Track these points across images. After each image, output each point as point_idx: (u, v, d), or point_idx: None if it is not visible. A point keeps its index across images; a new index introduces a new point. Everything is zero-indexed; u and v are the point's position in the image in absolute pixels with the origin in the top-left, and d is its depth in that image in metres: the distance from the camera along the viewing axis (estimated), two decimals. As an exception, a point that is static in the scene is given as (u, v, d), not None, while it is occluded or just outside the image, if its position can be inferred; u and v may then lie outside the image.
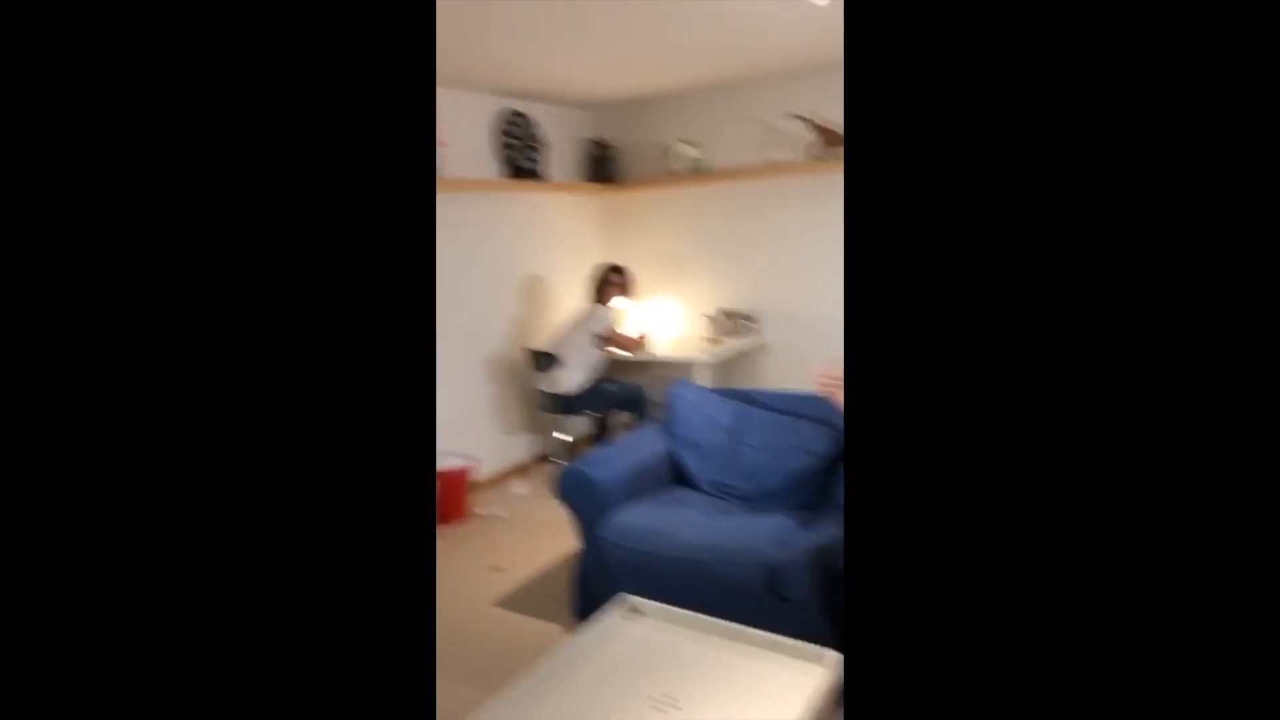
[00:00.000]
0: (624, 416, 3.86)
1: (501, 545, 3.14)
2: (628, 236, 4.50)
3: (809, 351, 4.00)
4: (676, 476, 2.68)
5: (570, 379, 3.64)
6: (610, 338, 3.74)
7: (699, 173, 4.04)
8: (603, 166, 4.35)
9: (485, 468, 3.81)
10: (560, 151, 4.28)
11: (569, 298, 4.32)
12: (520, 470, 4.08)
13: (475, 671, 2.23)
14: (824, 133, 3.64)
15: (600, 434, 4.07)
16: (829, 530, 2.17)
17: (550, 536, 3.19)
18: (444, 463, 3.36)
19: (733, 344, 3.93)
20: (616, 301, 4.01)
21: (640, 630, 1.74)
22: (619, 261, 4.44)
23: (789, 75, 3.78)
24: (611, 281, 3.84)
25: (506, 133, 3.89)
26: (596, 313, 3.74)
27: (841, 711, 1.94)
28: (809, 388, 3.84)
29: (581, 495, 2.39)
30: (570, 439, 4.14)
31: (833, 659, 1.55)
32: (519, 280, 4.06)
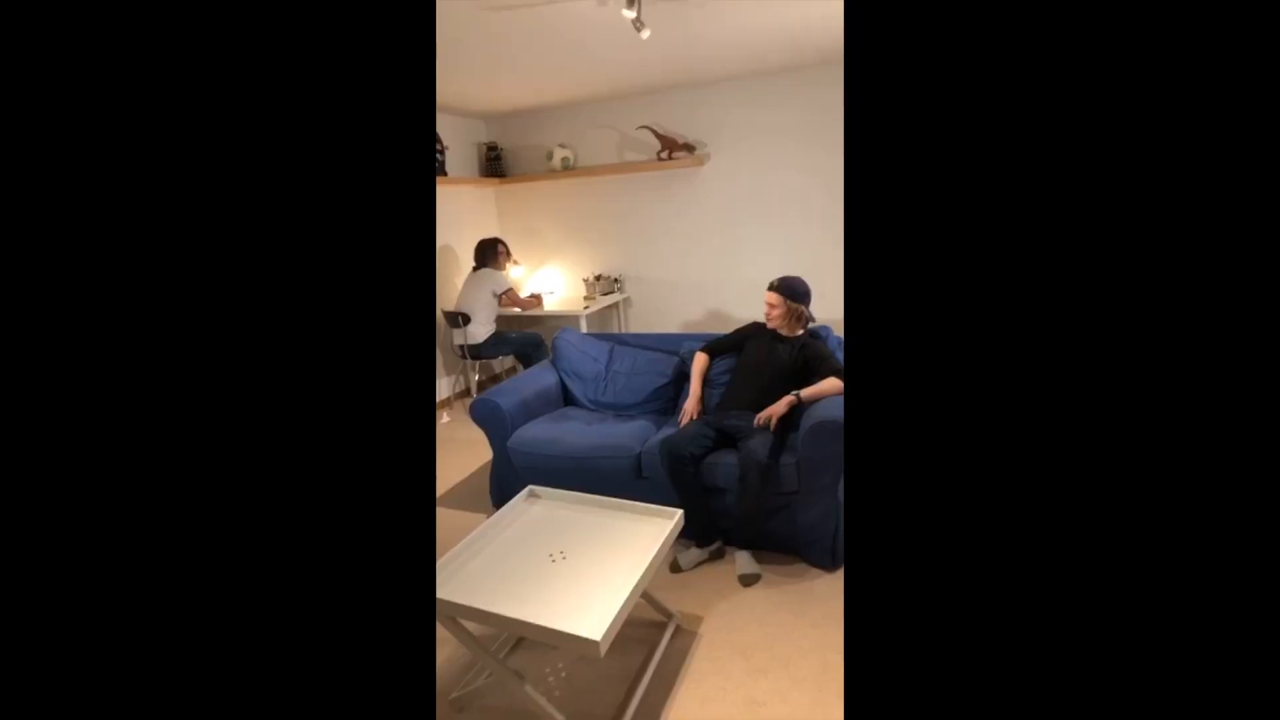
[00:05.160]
0: (524, 360, 3.84)
1: (432, 462, 3.09)
2: (519, 220, 4.42)
3: (660, 303, 4.13)
4: (565, 399, 2.75)
5: (478, 332, 3.59)
6: (509, 298, 3.70)
7: (570, 169, 4.01)
8: (495, 165, 4.22)
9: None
10: (461, 152, 4.10)
11: (471, 266, 4.21)
12: (443, 404, 4.01)
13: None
14: (664, 140, 3.70)
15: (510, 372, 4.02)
16: (674, 428, 2.32)
17: (471, 452, 3.19)
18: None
19: (604, 300, 3.99)
20: (512, 269, 3.94)
21: (540, 509, 1.81)
22: (513, 238, 4.37)
23: (638, 93, 3.79)
24: (499, 251, 3.71)
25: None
26: (495, 277, 3.65)
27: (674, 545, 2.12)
28: (660, 329, 3.98)
29: (492, 418, 2.42)
30: (479, 377, 4.10)
31: (676, 514, 1.69)
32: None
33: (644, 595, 1.75)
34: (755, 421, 2.09)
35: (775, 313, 2.26)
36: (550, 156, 3.99)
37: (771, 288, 2.27)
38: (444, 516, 2.53)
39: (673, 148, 3.69)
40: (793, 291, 2.26)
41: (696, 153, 3.71)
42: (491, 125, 4.29)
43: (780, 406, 2.07)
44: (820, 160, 3.53)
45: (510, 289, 3.68)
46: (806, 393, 2.08)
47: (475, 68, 2.90)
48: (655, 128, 3.78)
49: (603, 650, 1.21)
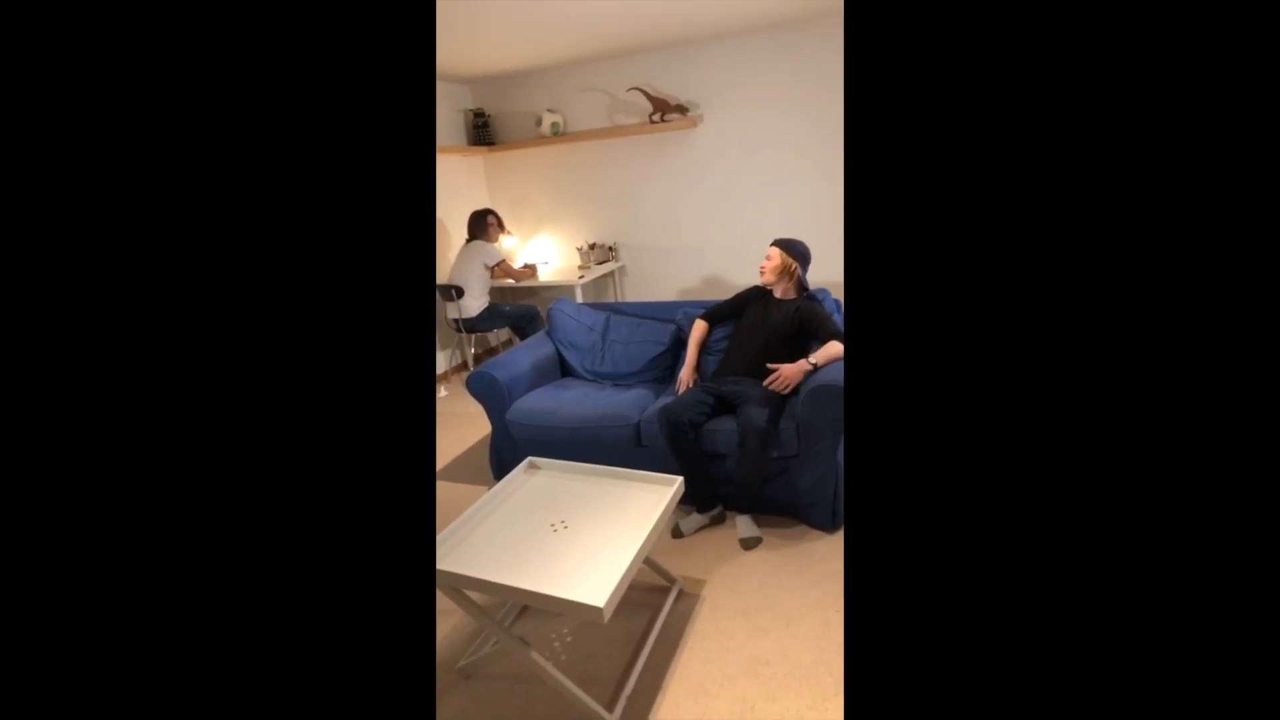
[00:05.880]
0: (519, 332, 3.81)
1: (432, 436, 3.09)
2: (509, 189, 4.33)
3: (656, 271, 4.08)
4: (563, 370, 2.73)
5: (471, 305, 3.55)
6: (503, 269, 3.64)
7: (560, 135, 3.91)
8: (482, 132, 4.11)
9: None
10: (447, 120, 3.98)
11: (462, 239, 4.15)
12: (440, 378, 3.99)
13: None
14: (656, 101, 3.60)
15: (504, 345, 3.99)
16: (672, 396, 2.31)
17: (469, 425, 3.19)
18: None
19: (599, 269, 3.95)
20: (505, 240, 3.87)
21: (541, 480, 1.81)
22: (503, 208, 4.29)
23: (628, 53, 3.67)
24: (489, 223, 3.66)
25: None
26: (487, 249, 3.60)
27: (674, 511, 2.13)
28: (656, 297, 3.94)
29: (490, 391, 2.40)
30: (475, 351, 4.07)
31: (676, 481, 1.69)
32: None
33: (646, 561, 1.76)
34: (766, 384, 2.08)
35: (769, 264, 2.26)
36: (539, 122, 3.89)
37: (773, 243, 2.29)
38: (444, 490, 2.53)
39: (665, 109, 3.59)
40: (791, 248, 2.25)
41: (689, 114, 3.62)
42: (477, 90, 4.16)
43: (796, 373, 2.05)
44: (818, 120, 3.44)
45: (503, 260, 3.63)
46: (819, 359, 2.05)
47: (458, 27, 2.79)
48: (646, 89, 3.67)
49: (606, 616, 1.22)
